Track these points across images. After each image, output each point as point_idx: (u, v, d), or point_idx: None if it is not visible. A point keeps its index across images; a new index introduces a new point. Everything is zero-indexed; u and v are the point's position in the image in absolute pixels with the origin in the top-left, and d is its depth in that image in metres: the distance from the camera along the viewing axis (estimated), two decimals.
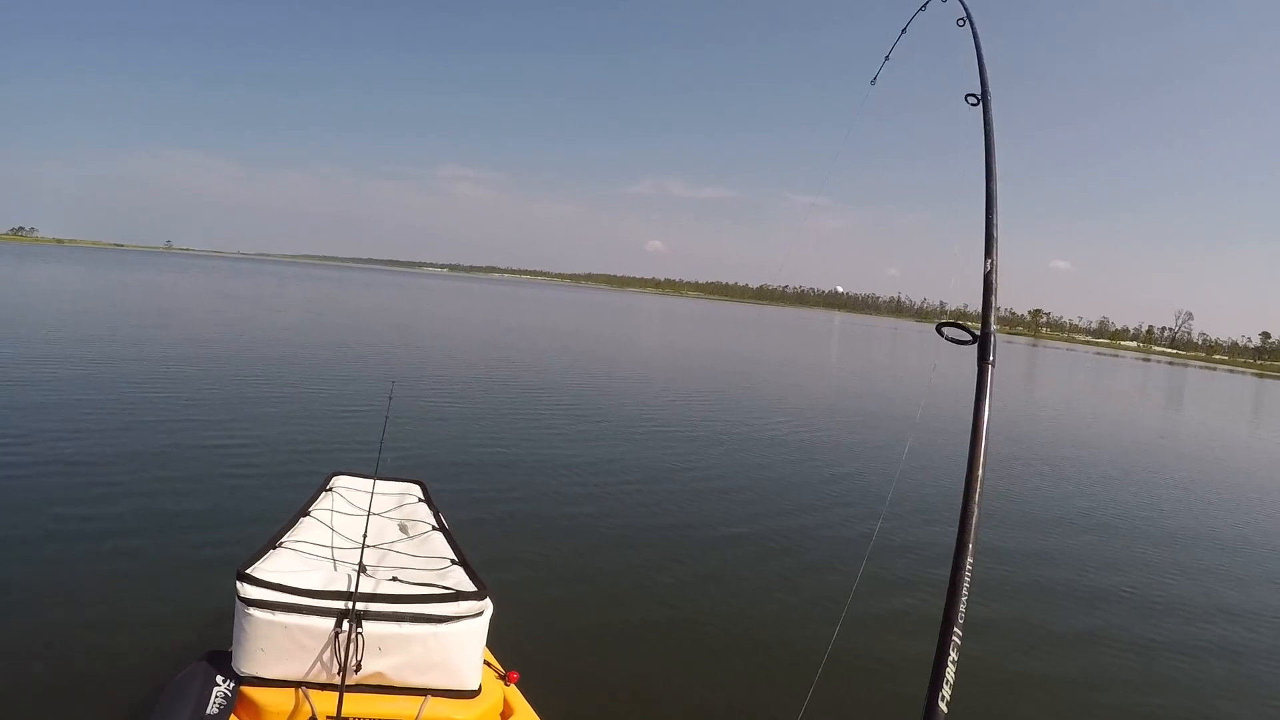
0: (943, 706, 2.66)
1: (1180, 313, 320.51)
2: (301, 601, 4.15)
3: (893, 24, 5.48)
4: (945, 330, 3.38)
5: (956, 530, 2.93)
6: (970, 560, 2.85)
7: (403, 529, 5.84)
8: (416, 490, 6.65)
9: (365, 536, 5.12)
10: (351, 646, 4.10)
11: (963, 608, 2.77)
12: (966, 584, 2.80)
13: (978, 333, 3.33)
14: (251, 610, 4.12)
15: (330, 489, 6.32)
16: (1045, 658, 8.41)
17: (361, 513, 5.75)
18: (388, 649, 4.20)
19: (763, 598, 9.14)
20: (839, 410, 27.96)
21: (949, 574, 2.88)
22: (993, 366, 3.25)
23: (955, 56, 4.37)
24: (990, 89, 4.13)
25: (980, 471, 3.03)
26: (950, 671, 2.66)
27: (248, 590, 4.15)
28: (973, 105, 4.07)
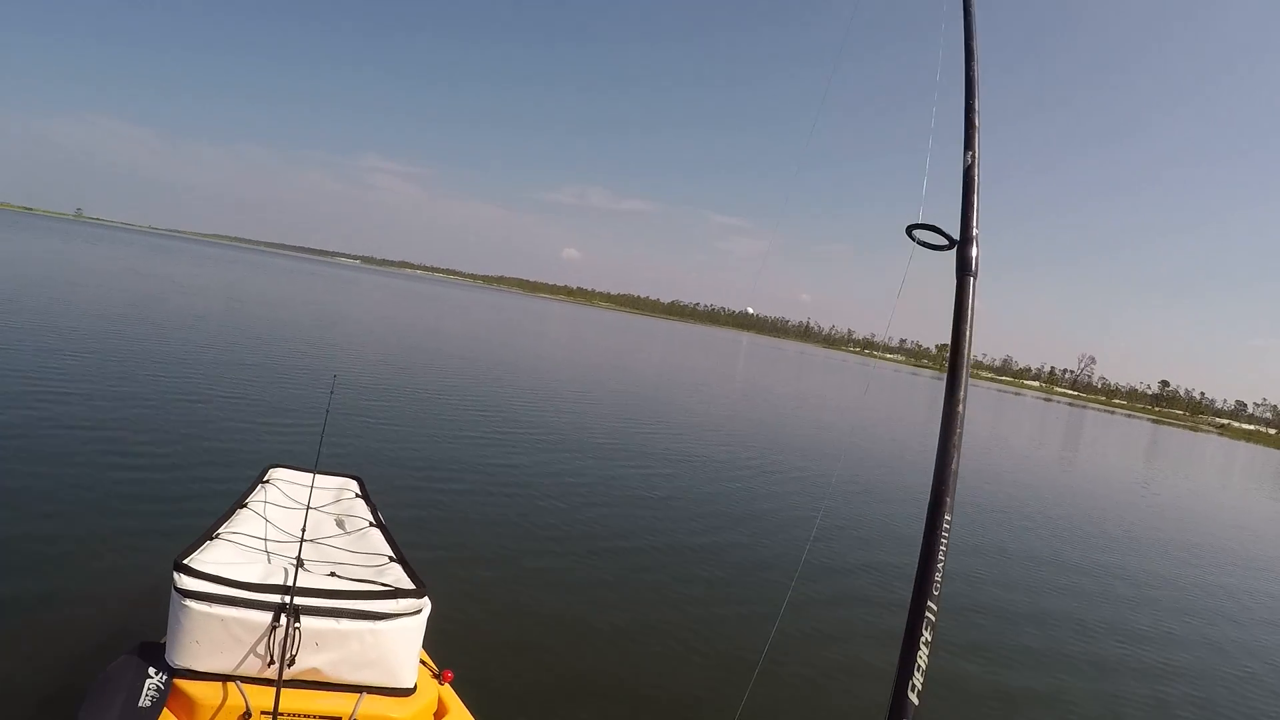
0: (913, 698, 2.40)
1: (1083, 356, 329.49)
2: (239, 594, 4.09)
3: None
4: (917, 233, 2.84)
5: (928, 505, 2.60)
6: (946, 530, 2.55)
7: (340, 524, 5.79)
8: (354, 485, 6.62)
9: (303, 531, 5.10)
10: (289, 641, 4.06)
11: (938, 578, 2.50)
12: (942, 558, 2.52)
13: (955, 237, 2.85)
14: (188, 602, 4.04)
15: (267, 481, 6.23)
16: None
17: (299, 506, 5.73)
18: (325, 645, 4.17)
19: (698, 602, 9.35)
20: (776, 425, 29.26)
21: (917, 558, 2.62)
22: (975, 279, 2.80)
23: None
24: None
25: (960, 421, 2.67)
26: (923, 655, 2.42)
27: (184, 581, 4.08)
28: None
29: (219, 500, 6.36)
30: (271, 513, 5.63)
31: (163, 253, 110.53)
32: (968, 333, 2.72)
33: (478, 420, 18.96)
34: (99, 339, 21.06)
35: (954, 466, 2.61)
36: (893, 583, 11.15)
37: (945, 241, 2.83)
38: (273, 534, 5.27)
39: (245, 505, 5.58)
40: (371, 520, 5.82)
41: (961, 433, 2.65)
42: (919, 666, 2.40)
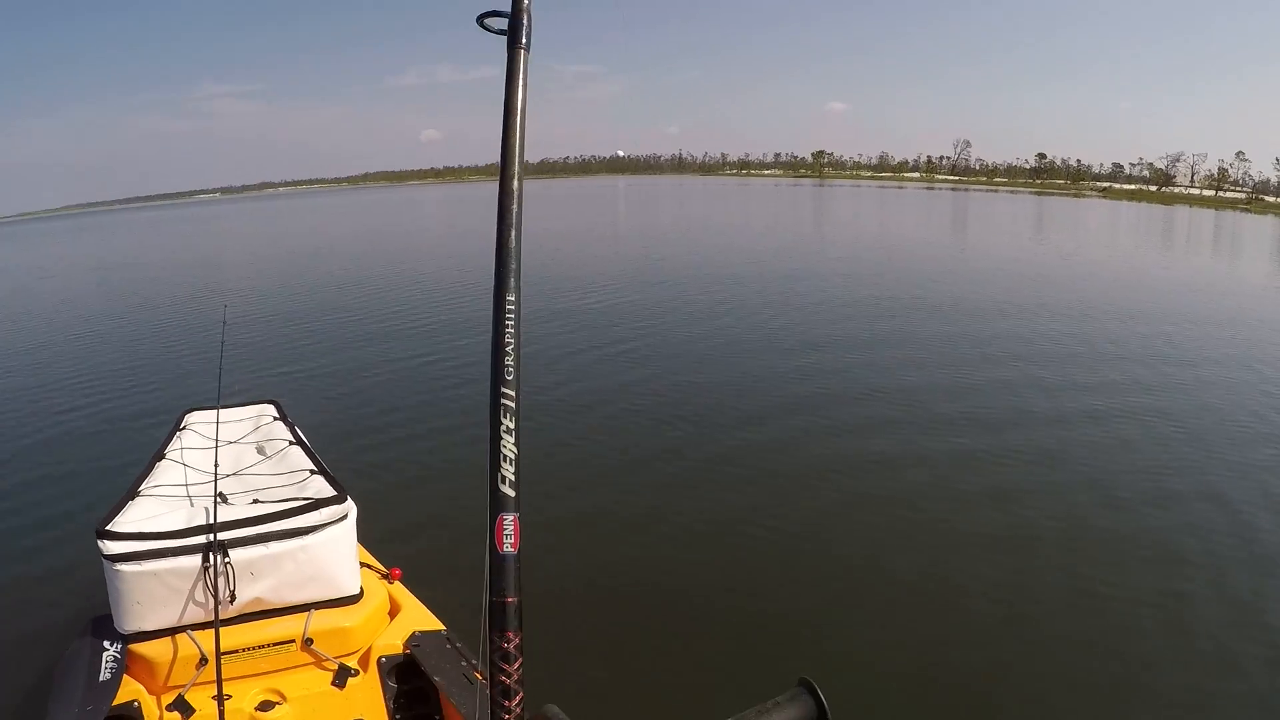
0: (507, 490, 2.11)
1: (958, 141, 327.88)
2: (163, 545, 4.05)
3: None
4: (489, 21, 2.49)
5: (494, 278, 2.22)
6: (512, 310, 2.22)
7: (260, 451, 5.68)
8: (271, 410, 6.45)
9: (220, 466, 4.97)
10: (222, 579, 4.04)
11: (509, 361, 2.15)
12: (510, 340, 2.17)
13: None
14: (118, 566, 4.01)
15: (184, 427, 6.08)
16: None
17: (217, 444, 5.49)
18: (260, 572, 4.16)
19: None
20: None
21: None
22: (526, 51, 2.51)
23: None
24: None
25: (517, 198, 2.35)
26: (508, 444, 2.12)
27: (110, 546, 4.04)
28: None
29: (140, 457, 6.03)
30: (190, 457, 5.49)
31: (10, 241, 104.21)
32: (520, 103, 2.44)
33: (374, 322, 18.84)
34: None
35: (513, 241, 2.34)
36: None
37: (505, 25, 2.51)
38: (193, 478, 5.15)
39: (164, 456, 5.47)
40: (291, 439, 5.73)
41: (520, 210, 2.39)
42: (505, 457, 2.14)
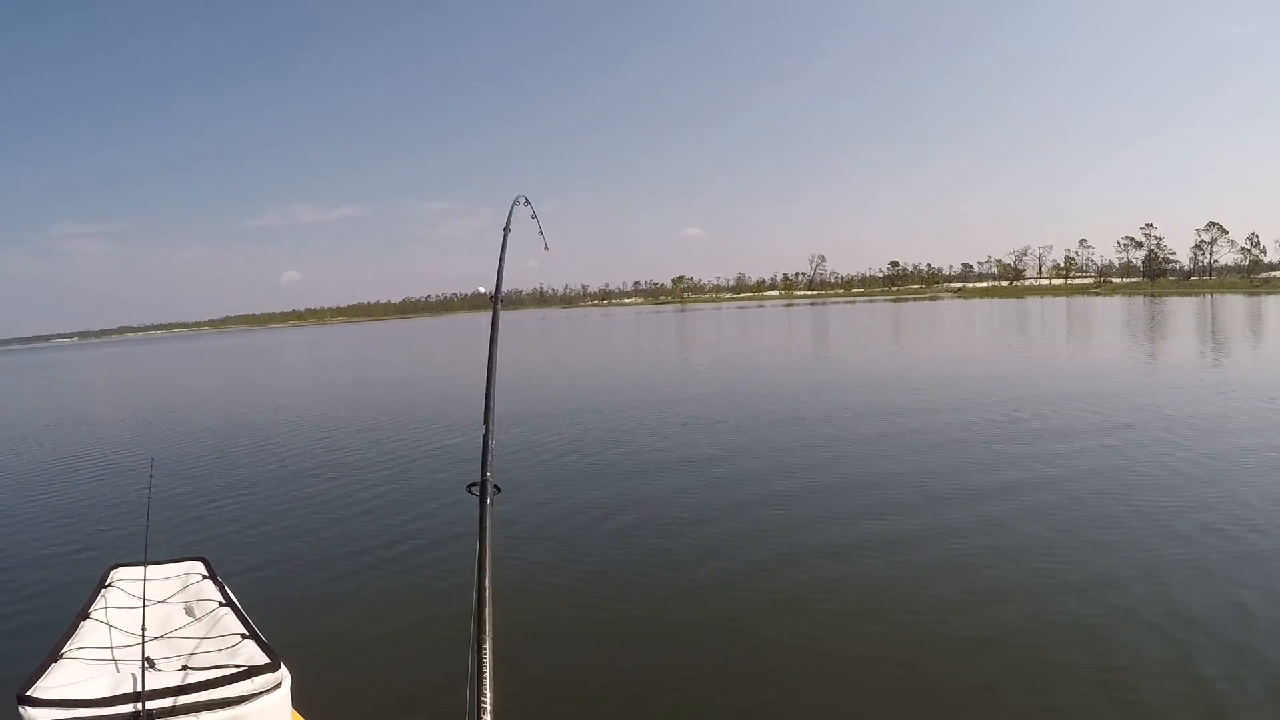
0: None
1: (814, 256, 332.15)
2: (89, 714, 3.85)
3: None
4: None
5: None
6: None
7: (189, 612, 5.43)
8: (200, 568, 6.19)
9: (148, 629, 4.75)
10: None
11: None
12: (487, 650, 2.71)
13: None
14: None
15: (109, 584, 5.80)
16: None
17: (144, 603, 5.25)
18: None
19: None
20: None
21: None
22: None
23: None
24: None
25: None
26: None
27: (32, 714, 3.84)
28: None
29: (62, 616, 5.73)
30: (115, 617, 5.23)
31: None
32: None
33: (303, 473, 17.96)
34: None
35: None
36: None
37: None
38: (119, 640, 4.91)
39: (88, 616, 5.22)
40: (221, 600, 5.52)
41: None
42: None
